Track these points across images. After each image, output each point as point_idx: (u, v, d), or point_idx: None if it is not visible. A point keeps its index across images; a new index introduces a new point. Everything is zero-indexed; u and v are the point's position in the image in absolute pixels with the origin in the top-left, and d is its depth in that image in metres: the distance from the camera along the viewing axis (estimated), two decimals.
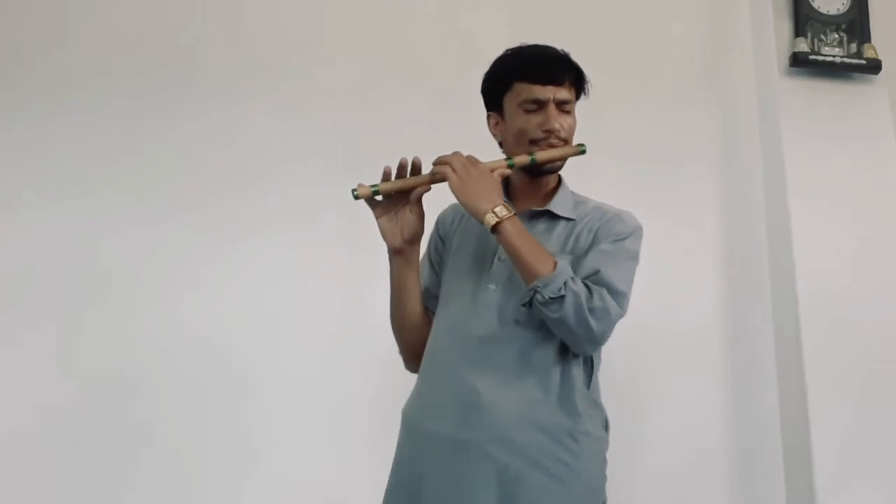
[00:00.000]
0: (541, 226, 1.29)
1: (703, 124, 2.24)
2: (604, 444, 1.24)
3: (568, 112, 1.29)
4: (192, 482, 1.88)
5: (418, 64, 2.19)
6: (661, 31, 2.29)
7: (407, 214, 1.29)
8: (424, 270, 1.40)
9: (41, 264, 1.96)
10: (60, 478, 1.85)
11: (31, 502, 1.85)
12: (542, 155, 1.26)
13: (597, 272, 1.19)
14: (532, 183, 1.32)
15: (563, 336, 1.19)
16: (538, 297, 1.15)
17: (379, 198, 1.29)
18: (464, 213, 1.35)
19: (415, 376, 1.99)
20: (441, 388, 1.26)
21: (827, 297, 1.96)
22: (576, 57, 1.33)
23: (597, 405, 1.25)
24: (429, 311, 1.36)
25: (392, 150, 2.04)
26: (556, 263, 1.17)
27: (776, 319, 2.08)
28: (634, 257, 1.25)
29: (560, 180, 1.35)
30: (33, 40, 2.11)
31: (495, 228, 1.18)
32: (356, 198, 1.27)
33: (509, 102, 1.30)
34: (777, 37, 2.16)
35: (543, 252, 1.19)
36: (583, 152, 1.29)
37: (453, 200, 1.24)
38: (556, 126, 1.26)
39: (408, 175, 1.28)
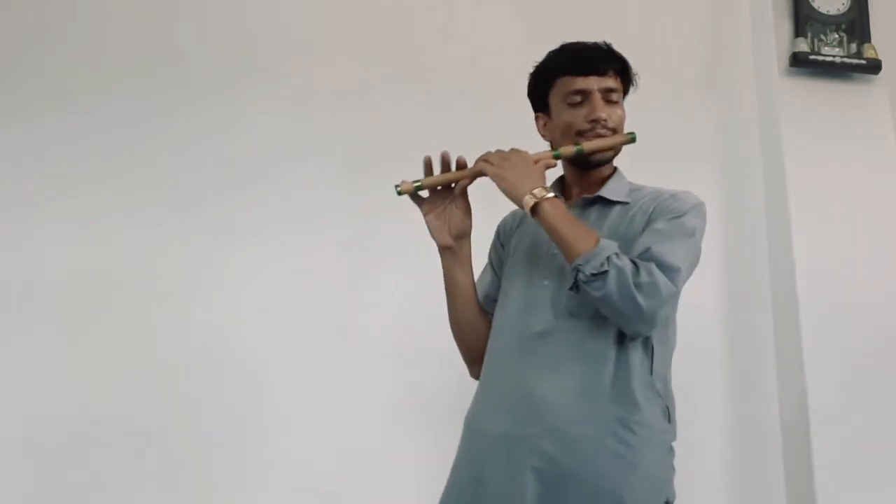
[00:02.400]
0: (594, 213, 1.27)
1: (703, 124, 2.24)
2: (667, 434, 1.17)
3: (615, 102, 1.27)
4: (196, 484, 1.88)
5: (418, 64, 2.19)
6: (661, 31, 2.29)
7: (453, 210, 1.29)
8: (486, 277, 1.40)
9: (41, 264, 1.96)
10: (65, 481, 1.84)
11: None
12: (589, 145, 1.24)
13: (647, 249, 1.14)
14: (585, 175, 1.30)
15: (612, 317, 1.13)
16: (580, 275, 1.11)
17: (425, 194, 1.28)
18: (522, 216, 1.33)
19: (410, 376, 2.01)
20: (498, 387, 1.25)
21: (827, 298, 1.96)
22: None
23: (659, 394, 1.17)
24: (488, 315, 1.35)
25: (392, 150, 2.07)
26: (598, 240, 1.13)
27: (776, 319, 2.08)
28: (691, 234, 1.18)
29: (615, 170, 1.32)
30: (33, 40, 2.11)
31: (534, 210, 1.16)
32: (399, 193, 1.26)
33: (554, 99, 1.29)
34: (777, 37, 2.15)
35: (586, 230, 1.15)
36: (633, 140, 1.26)
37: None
38: (602, 115, 1.24)
39: (453, 170, 1.27)
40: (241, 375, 1.94)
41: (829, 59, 2.10)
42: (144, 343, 1.93)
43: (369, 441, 1.92)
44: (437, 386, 1.95)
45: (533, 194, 1.16)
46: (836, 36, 2.15)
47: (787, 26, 2.17)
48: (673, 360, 1.83)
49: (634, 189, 1.29)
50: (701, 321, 2.09)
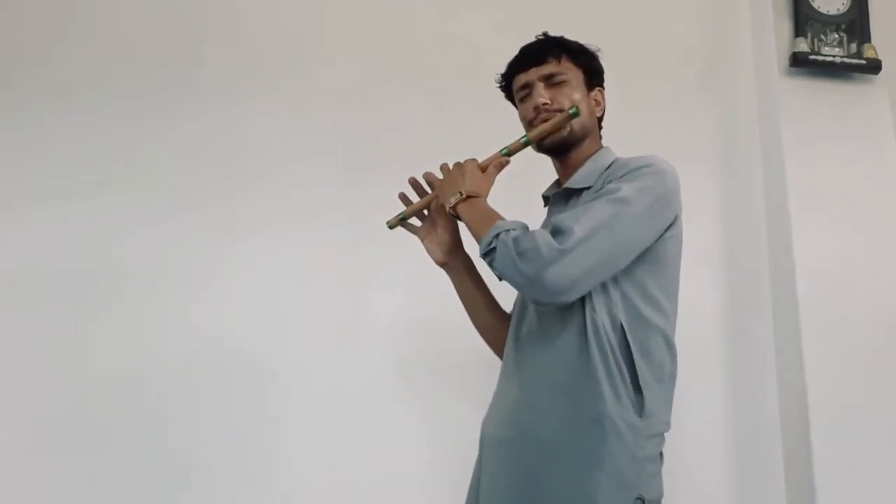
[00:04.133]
0: (571, 203, 1.26)
1: (703, 124, 2.24)
2: (636, 430, 1.11)
3: (560, 84, 1.27)
4: (195, 483, 1.88)
5: (418, 64, 2.19)
6: (661, 31, 2.29)
7: (439, 229, 1.35)
8: None
9: (41, 265, 1.96)
10: (64, 481, 1.84)
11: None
12: (533, 133, 1.26)
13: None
14: (563, 163, 1.32)
15: (519, 292, 1.16)
16: (485, 261, 1.14)
17: (416, 222, 1.37)
18: None
19: (410, 376, 2.01)
20: (498, 391, 1.28)
21: (827, 298, 1.96)
22: None
23: (630, 386, 1.12)
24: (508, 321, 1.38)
25: (392, 150, 2.07)
26: (494, 223, 1.14)
27: (776, 319, 2.08)
28: (614, 192, 1.12)
29: (595, 153, 1.30)
30: (33, 40, 2.11)
31: (454, 217, 1.22)
32: (391, 227, 1.37)
33: (517, 100, 1.35)
34: (777, 37, 2.15)
35: (489, 219, 1.16)
36: (575, 115, 1.24)
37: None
38: (541, 101, 1.26)
39: (428, 191, 1.35)
40: (240, 375, 1.94)
41: (829, 59, 2.10)
42: (144, 343, 1.93)
43: (369, 441, 1.92)
44: (437, 386, 1.95)
45: (449, 202, 1.21)
46: (836, 36, 2.15)
47: (787, 26, 2.17)
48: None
49: (610, 166, 1.25)
50: (701, 321, 2.10)
